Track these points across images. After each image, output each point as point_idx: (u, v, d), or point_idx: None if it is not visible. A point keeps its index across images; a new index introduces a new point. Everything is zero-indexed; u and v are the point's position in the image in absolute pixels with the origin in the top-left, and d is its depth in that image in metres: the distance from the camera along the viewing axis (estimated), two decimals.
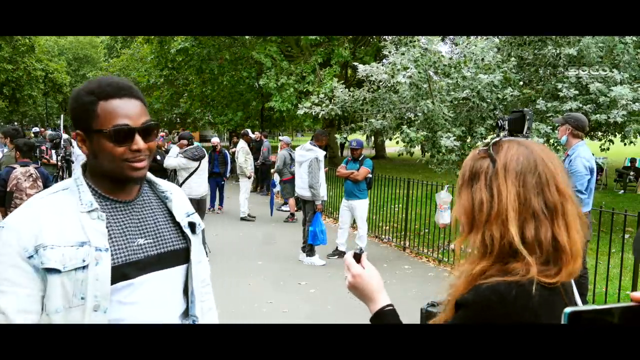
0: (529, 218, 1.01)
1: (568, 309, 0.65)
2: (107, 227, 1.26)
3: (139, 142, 1.27)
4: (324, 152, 6.98)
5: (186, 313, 1.44)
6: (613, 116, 6.39)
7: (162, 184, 1.47)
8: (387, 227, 8.51)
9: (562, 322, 0.65)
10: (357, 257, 1.25)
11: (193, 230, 1.44)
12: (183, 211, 1.45)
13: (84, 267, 1.20)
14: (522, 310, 0.95)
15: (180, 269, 1.40)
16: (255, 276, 6.07)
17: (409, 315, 1.22)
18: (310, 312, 4.96)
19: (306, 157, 6.87)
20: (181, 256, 1.40)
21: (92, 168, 1.33)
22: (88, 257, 1.21)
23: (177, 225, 1.42)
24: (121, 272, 1.25)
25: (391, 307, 1.19)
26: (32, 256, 1.18)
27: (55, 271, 1.18)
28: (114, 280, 1.23)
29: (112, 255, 1.24)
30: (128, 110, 1.27)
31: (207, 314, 1.55)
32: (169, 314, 1.37)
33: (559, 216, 1.02)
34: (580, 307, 0.66)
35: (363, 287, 1.21)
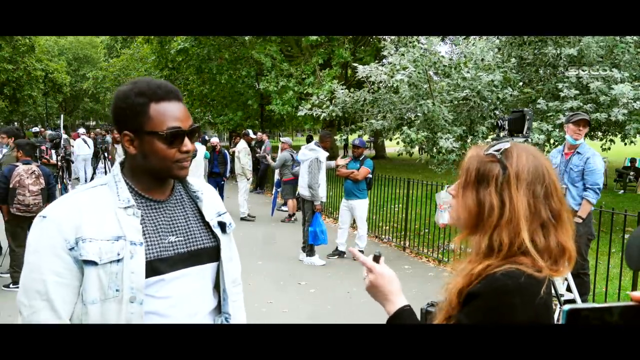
0: (537, 226, 1.06)
1: (567, 307, 0.64)
2: (141, 224, 1.30)
3: (188, 144, 1.33)
4: (327, 154, 6.99)
5: (218, 310, 1.49)
6: (614, 115, 6.38)
7: (195, 183, 1.50)
8: (387, 227, 8.50)
9: (561, 320, 0.64)
10: (377, 260, 1.27)
11: (223, 230, 1.48)
12: (213, 211, 1.49)
13: (118, 261, 1.25)
14: (534, 296, 1.00)
15: (211, 267, 1.44)
16: (255, 276, 6.06)
17: None
18: (310, 312, 4.96)
19: (308, 156, 6.88)
20: (211, 254, 1.44)
21: (134, 166, 1.36)
22: (123, 251, 1.25)
23: (208, 224, 1.45)
24: (153, 268, 1.29)
25: (409, 308, 1.21)
26: (73, 248, 1.23)
27: (92, 263, 1.23)
28: (146, 275, 1.27)
29: (145, 250, 1.28)
30: (178, 113, 1.32)
31: (238, 313, 1.59)
32: (199, 309, 1.41)
33: (561, 222, 1.09)
34: (579, 305, 0.66)
35: (383, 287, 1.23)
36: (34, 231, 1.26)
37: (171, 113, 1.30)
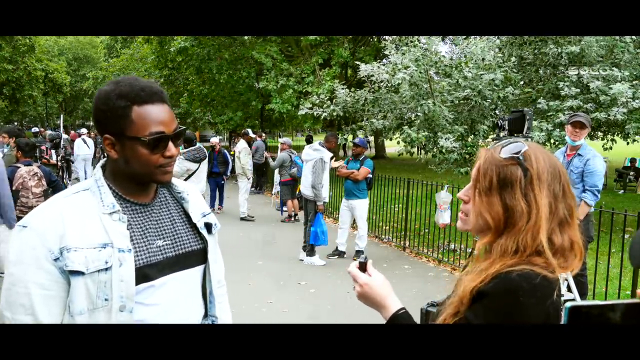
0: (556, 225, 1.08)
1: (569, 304, 0.64)
2: (128, 229, 1.26)
3: (172, 148, 1.28)
4: (331, 154, 6.98)
5: (205, 313, 1.45)
6: (613, 114, 6.38)
7: (179, 184, 1.46)
8: (387, 227, 8.50)
9: (563, 317, 0.64)
10: (364, 266, 1.25)
11: (209, 231, 1.44)
12: (199, 212, 1.45)
13: (106, 269, 1.20)
14: (547, 298, 1.01)
15: (199, 270, 1.41)
16: (255, 276, 6.07)
17: None
18: (310, 312, 4.96)
19: (312, 156, 6.89)
20: (199, 256, 1.40)
21: (116, 170, 1.31)
22: (111, 259, 1.21)
23: (194, 225, 1.42)
24: (142, 274, 1.25)
25: (404, 311, 1.19)
26: (57, 258, 1.18)
27: (79, 273, 1.18)
28: (136, 282, 1.23)
29: (133, 256, 1.24)
30: (162, 117, 1.26)
31: (223, 315, 1.56)
32: (190, 314, 1.38)
33: (573, 218, 1.11)
34: (581, 302, 0.65)
35: (373, 295, 1.21)
36: (15, 241, 1.21)
37: (154, 117, 1.25)
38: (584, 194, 4.67)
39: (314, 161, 6.80)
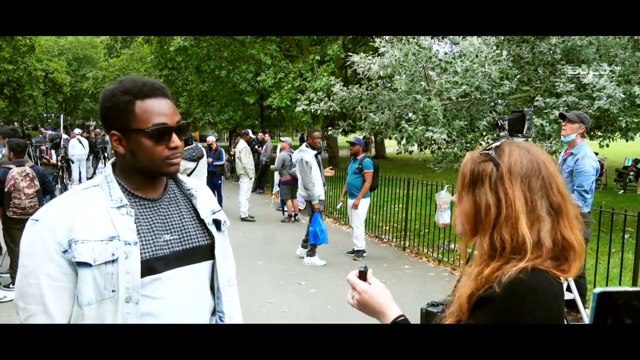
0: (536, 220, 1.03)
1: (597, 290, 0.64)
2: (135, 223, 1.29)
3: (176, 140, 1.32)
4: (314, 152, 6.90)
5: (214, 309, 1.47)
6: (597, 105, 6.38)
7: (188, 182, 1.50)
8: (387, 227, 8.50)
9: (592, 302, 0.64)
10: (364, 275, 1.24)
11: (218, 228, 1.47)
12: (208, 208, 1.48)
13: (113, 261, 1.24)
14: (550, 299, 0.99)
15: (206, 265, 1.43)
16: (255, 276, 6.07)
17: (409, 316, 1.22)
18: (310, 312, 4.96)
19: (296, 158, 6.94)
20: (206, 252, 1.43)
21: (125, 166, 1.35)
22: (117, 251, 1.24)
23: (202, 222, 1.44)
24: (149, 267, 1.28)
25: (403, 318, 1.18)
26: (66, 250, 1.22)
27: (86, 265, 1.23)
28: (142, 274, 1.26)
29: (140, 249, 1.27)
30: (164, 110, 1.31)
31: (233, 314, 1.58)
32: (197, 308, 1.39)
33: (563, 216, 1.06)
34: (610, 288, 0.65)
35: (371, 303, 1.20)
36: (26, 235, 1.26)
37: (157, 110, 1.29)
38: (571, 195, 4.62)
39: (297, 162, 6.84)
